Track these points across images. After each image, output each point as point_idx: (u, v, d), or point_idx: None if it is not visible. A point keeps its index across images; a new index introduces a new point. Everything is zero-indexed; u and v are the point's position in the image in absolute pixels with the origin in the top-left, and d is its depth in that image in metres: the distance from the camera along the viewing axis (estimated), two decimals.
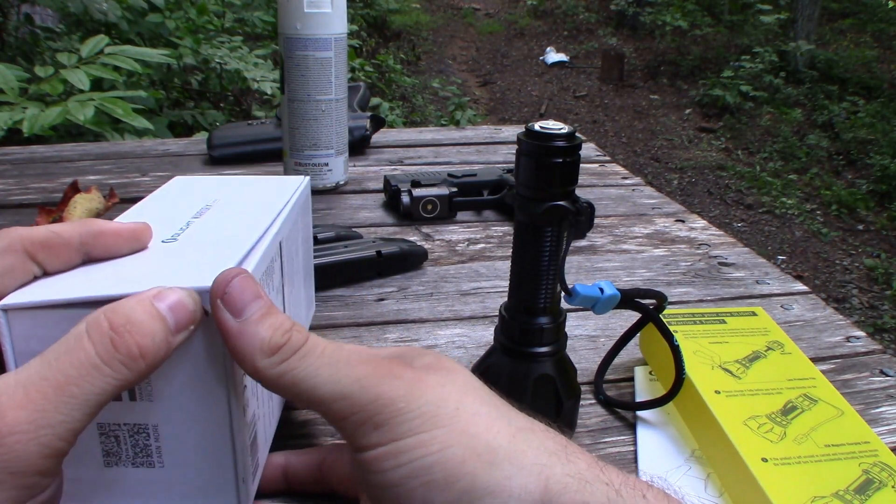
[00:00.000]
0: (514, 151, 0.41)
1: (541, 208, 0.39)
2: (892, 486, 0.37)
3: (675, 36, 6.30)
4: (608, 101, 5.57)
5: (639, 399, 0.48)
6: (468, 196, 0.79)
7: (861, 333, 0.57)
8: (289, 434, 0.41)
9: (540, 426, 0.28)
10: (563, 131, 0.39)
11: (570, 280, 0.41)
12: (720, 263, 0.70)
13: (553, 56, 6.23)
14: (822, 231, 3.80)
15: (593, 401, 0.47)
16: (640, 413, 0.46)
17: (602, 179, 0.94)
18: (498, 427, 0.26)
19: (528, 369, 0.42)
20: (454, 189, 0.77)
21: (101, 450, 0.28)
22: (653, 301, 0.46)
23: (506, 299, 0.43)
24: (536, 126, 0.39)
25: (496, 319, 0.44)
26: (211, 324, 0.26)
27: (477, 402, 0.27)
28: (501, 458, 0.25)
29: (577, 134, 0.40)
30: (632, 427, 0.45)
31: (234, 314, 0.25)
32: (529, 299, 0.41)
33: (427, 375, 0.27)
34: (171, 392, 0.28)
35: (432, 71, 5.79)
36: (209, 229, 0.35)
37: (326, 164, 0.81)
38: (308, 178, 0.46)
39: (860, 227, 3.92)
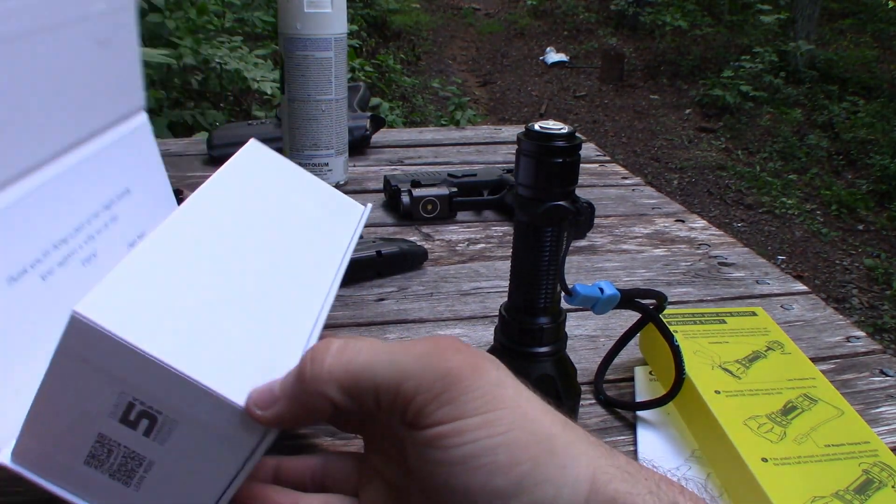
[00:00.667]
0: (514, 151, 0.41)
1: (541, 208, 0.39)
2: (892, 486, 0.37)
3: (675, 36, 6.30)
4: (608, 101, 5.57)
5: (639, 399, 0.48)
6: (468, 196, 0.79)
7: (861, 333, 0.57)
8: (283, 435, 0.41)
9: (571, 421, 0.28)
10: (562, 131, 0.39)
11: (570, 280, 0.41)
12: (720, 263, 0.70)
13: (553, 56, 6.23)
14: (822, 231, 3.80)
15: (593, 401, 0.47)
16: (640, 413, 0.46)
17: (602, 179, 0.94)
18: (550, 416, 0.27)
19: (527, 369, 0.42)
20: (454, 189, 0.77)
21: (88, 451, 0.28)
22: (653, 301, 0.46)
23: (506, 299, 0.43)
24: (536, 126, 0.39)
25: (496, 319, 0.44)
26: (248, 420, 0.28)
27: (523, 394, 0.27)
28: (559, 447, 0.26)
29: (576, 134, 0.40)
30: (632, 427, 0.45)
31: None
32: (529, 299, 0.41)
33: (480, 359, 0.27)
34: (184, 449, 0.28)
35: (432, 71, 5.79)
36: (276, 272, 0.36)
37: (326, 164, 0.81)
38: (370, 206, 0.48)
39: (860, 227, 3.92)
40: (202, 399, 0.27)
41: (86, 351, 0.26)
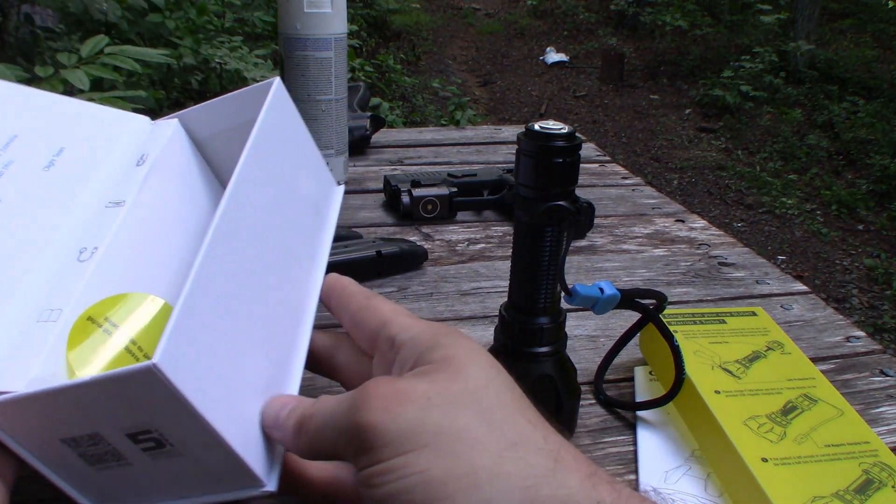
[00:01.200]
0: (515, 151, 0.41)
1: (540, 208, 0.39)
2: (892, 486, 0.37)
3: (675, 36, 6.30)
4: (608, 101, 5.57)
5: (639, 399, 0.48)
6: (468, 196, 0.79)
7: (861, 333, 0.57)
8: None
9: (536, 437, 0.27)
10: (562, 131, 0.39)
11: (570, 280, 0.41)
12: (720, 263, 0.70)
13: (553, 56, 6.23)
14: (822, 231, 3.80)
15: (593, 401, 0.47)
16: (640, 413, 0.46)
17: (602, 179, 0.94)
18: (485, 445, 0.26)
19: (527, 369, 0.42)
20: (454, 189, 0.77)
21: (74, 436, 0.28)
22: (653, 301, 0.46)
23: (506, 299, 0.43)
24: (536, 126, 0.39)
25: (496, 319, 0.44)
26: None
27: (469, 413, 0.27)
28: (483, 481, 0.25)
29: (576, 134, 0.40)
30: (632, 427, 0.45)
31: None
32: (529, 299, 0.41)
33: (415, 385, 0.27)
34: (170, 468, 0.29)
35: (432, 71, 5.79)
36: (284, 289, 0.36)
37: (326, 164, 0.81)
38: (343, 188, 0.47)
39: (860, 227, 3.92)
40: (227, 458, 0.28)
41: (140, 390, 0.25)
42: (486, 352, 0.30)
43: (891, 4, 6.73)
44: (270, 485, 0.29)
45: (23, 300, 0.32)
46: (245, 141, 0.34)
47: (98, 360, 0.31)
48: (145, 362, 0.24)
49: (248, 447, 0.28)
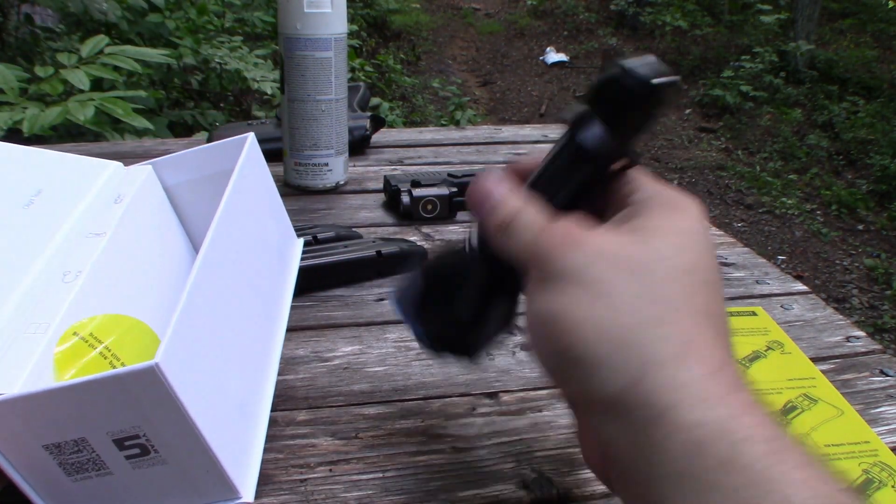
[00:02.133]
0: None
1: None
2: (892, 486, 0.37)
3: (675, 36, 6.30)
4: None
5: None
6: None
7: (861, 333, 0.57)
8: (280, 434, 0.41)
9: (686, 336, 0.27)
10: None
11: None
12: (720, 263, 0.70)
13: (553, 56, 6.23)
14: (822, 231, 3.80)
15: None
16: None
17: None
18: (624, 316, 0.26)
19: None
20: (454, 189, 0.77)
21: (57, 442, 0.28)
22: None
23: None
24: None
25: None
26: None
27: (629, 280, 0.27)
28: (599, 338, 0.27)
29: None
30: None
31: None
32: None
33: (594, 236, 0.28)
34: (150, 478, 0.29)
35: (432, 71, 5.79)
36: (258, 311, 0.40)
37: (326, 164, 0.81)
38: (302, 242, 0.50)
39: (860, 227, 3.92)
40: (209, 466, 0.29)
41: (139, 390, 0.27)
42: (703, 231, 0.29)
43: (891, 4, 6.73)
44: (247, 496, 0.30)
45: (11, 314, 0.33)
46: (213, 191, 0.38)
47: (78, 364, 0.32)
48: (149, 362, 0.26)
49: (228, 456, 0.29)
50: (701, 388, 0.25)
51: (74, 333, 0.33)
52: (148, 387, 0.26)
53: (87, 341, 0.33)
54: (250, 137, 0.43)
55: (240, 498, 0.30)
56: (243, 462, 0.32)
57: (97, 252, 0.37)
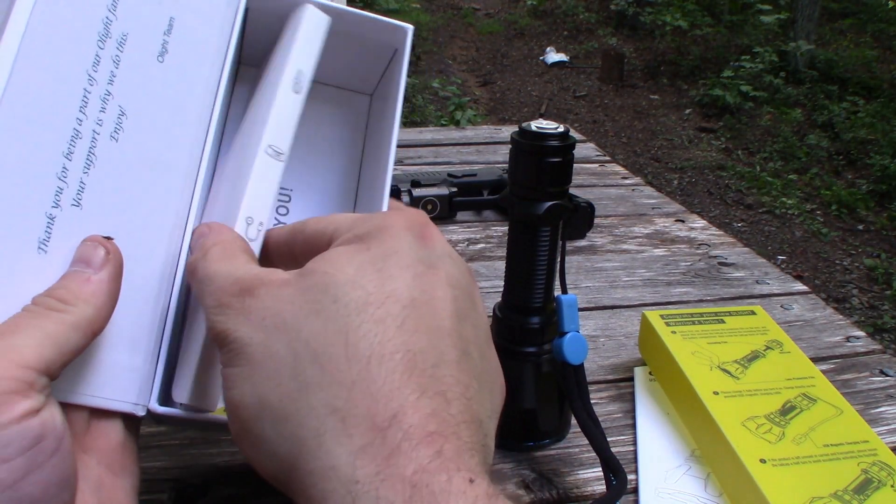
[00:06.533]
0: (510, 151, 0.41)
1: (534, 208, 0.39)
2: (892, 486, 0.37)
3: (675, 36, 6.30)
4: (608, 101, 5.57)
5: (638, 398, 0.48)
6: (468, 196, 0.79)
7: (861, 333, 0.57)
8: None
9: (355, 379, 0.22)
10: (556, 131, 0.39)
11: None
12: (720, 263, 0.70)
13: (553, 56, 6.23)
14: (822, 231, 3.80)
15: (594, 400, 0.47)
16: (639, 413, 0.46)
17: (602, 179, 0.94)
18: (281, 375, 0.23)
19: (521, 368, 0.42)
20: (454, 189, 0.77)
21: None
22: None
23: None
24: (533, 126, 0.39)
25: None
26: None
27: (291, 340, 0.23)
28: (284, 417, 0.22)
29: (571, 133, 0.40)
30: (632, 426, 0.45)
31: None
32: (524, 299, 0.41)
33: (267, 291, 0.24)
34: None
35: (432, 71, 5.79)
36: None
37: None
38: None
39: (860, 227, 3.92)
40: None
41: None
42: (379, 255, 0.24)
43: (891, 4, 6.73)
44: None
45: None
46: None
47: None
48: None
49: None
50: (350, 471, 0.20)
51: None
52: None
53: None
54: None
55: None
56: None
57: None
